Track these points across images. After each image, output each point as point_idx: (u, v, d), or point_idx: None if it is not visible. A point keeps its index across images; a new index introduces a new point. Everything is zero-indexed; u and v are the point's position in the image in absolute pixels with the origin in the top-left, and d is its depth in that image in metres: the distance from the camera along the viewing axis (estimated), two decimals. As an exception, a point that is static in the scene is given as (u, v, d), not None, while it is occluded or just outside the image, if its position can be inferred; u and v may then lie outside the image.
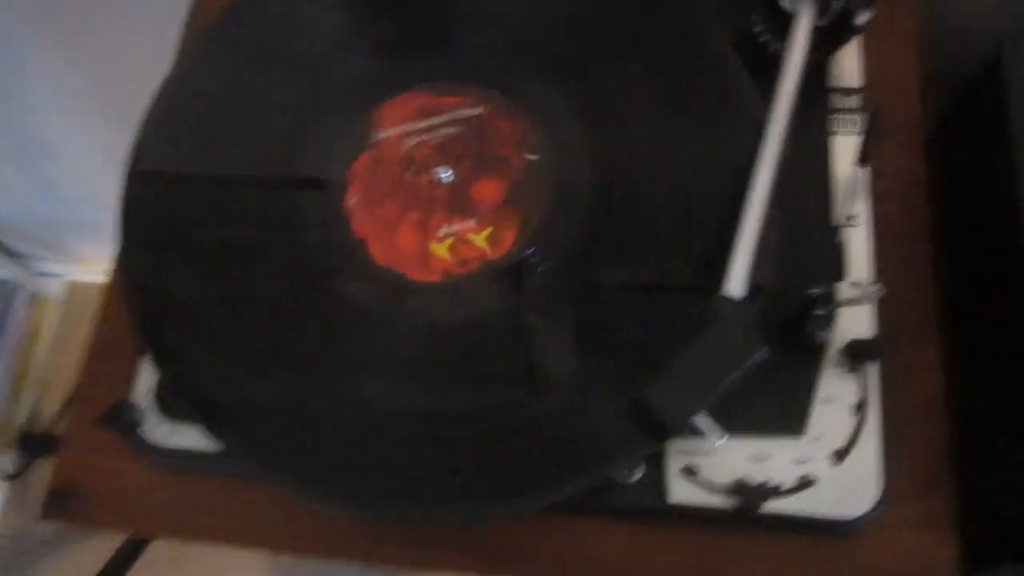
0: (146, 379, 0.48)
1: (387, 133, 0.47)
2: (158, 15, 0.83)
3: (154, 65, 0.91)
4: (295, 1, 0.52)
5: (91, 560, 1.41)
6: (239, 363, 0.45)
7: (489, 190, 0.47)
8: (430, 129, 0.48)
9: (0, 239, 1.43)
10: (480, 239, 0.45)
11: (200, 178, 0.49)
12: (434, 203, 0.46)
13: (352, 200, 0.46)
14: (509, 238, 0.46)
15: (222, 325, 0.46)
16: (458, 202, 0.47)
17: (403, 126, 0.48)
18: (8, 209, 1.31)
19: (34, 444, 1.46)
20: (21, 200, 1.28)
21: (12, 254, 1.46)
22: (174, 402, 0.46)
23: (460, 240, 0.46)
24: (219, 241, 0.47)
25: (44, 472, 1.46)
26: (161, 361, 0.45)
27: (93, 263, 1.51)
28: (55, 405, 1.49)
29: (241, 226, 0.48)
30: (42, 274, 1.53)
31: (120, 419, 0.46)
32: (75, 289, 1.56)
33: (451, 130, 0.48)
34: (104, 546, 1.41)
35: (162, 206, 0.49)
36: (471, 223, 0.46)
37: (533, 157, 0.47)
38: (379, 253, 0.46)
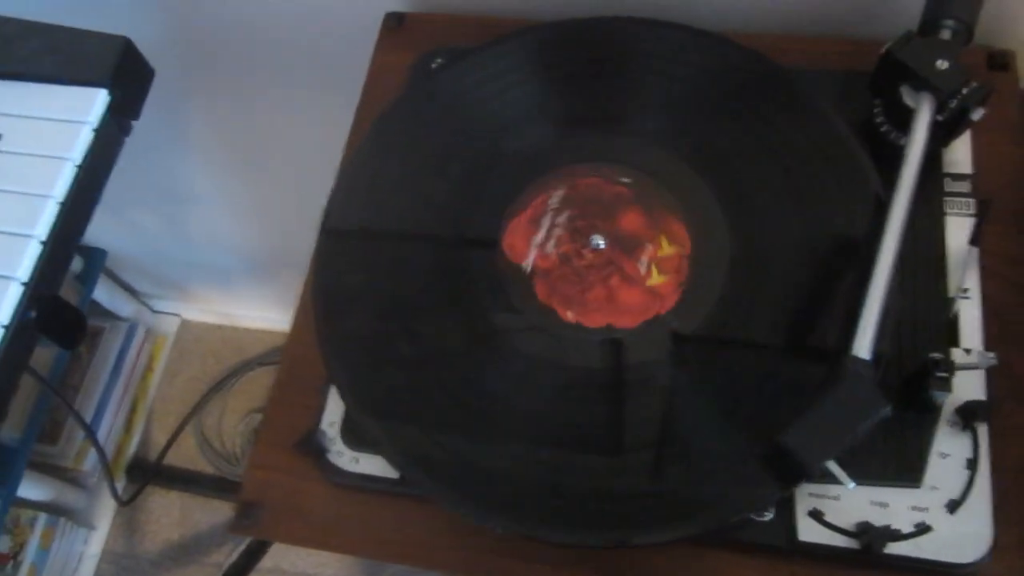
0: (332, 410, 0.55)
1: (531, 258, 0.55)
2: (304, 89, 0.91)
3: (289, 127, 0.99)
4: (467, 81, 0.60)
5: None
6: (414, 397, 0.52)
7: (634, 219, 0.54)
8: (552, 228, 0.55)
9: (124, 278, 1.53)
10: (666, 248, 0.53)
11: (378, 234, 0.56)
12: (614, 261, 0.53)
13: (568, 315, 0.53)
14: (679, 230, 0.54)
15: (402, 365, 0.53)
16: (626, 244, 0.54)
17: (533, 243, 0.55)
18: (136, 248, 1.40)
19: (144, 472, 1.55)
20: (149, 241, 1.37)
21: (133, 292, 1.56)
22: (358, 432, 0.53)
23: (657, 261, 0.53)
24: (396, 291, 0.54)
25: (153, 499, 1.54)
26: (348, 395, 0.52)
27: (205, 302, 1.60)
28: (163, 435, 1.58)
29: (420, 281, 0.55)
30: (158, 312, 1.63)
31: (311, 445, 0.53)
32: (185, 327, 1.66)
33: (564, 215, 0.55)
34: (203, 572, 1.49)
35: (346, 258, 0.56)
36: (649, 247, 0.53)
37: (627, 180, 0.55)
38: (626, 320, 0.52)
